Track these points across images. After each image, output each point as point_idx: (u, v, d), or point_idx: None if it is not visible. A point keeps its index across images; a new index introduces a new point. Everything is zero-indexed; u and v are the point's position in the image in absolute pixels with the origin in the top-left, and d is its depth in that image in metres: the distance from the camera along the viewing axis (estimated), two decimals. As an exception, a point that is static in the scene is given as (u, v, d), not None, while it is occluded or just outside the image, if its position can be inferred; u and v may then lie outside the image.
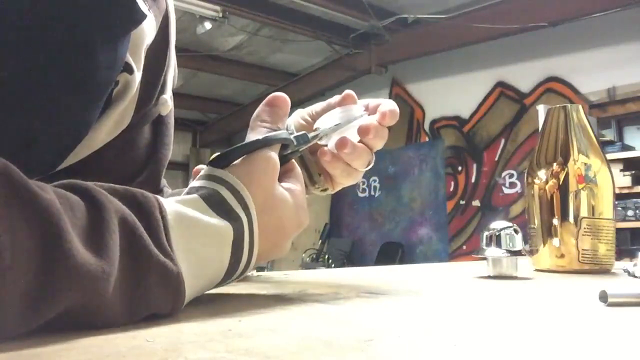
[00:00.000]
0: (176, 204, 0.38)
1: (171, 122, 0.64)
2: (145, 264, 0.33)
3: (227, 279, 0.41)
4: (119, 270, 0.31)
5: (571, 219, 0.77)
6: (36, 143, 0.44)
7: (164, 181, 0.66)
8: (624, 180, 3.89)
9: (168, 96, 0.59)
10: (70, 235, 0.29)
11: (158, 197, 0.37)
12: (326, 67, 6.17)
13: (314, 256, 6.06)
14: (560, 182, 0.78)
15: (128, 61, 0.50)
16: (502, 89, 5.22)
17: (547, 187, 0.80)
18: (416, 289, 0.58)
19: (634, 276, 0.69)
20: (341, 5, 4.89)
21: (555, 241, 0.78)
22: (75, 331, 0.30)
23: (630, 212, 3.85)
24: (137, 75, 0.52)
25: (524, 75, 5.03)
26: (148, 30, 0.52)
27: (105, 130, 0.51)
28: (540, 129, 0.85)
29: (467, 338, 0.32)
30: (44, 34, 0.41)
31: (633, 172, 3.93)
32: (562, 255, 0.77)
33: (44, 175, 0.48)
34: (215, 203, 0.40)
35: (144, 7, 0.47)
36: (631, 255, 0.94)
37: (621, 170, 3.91)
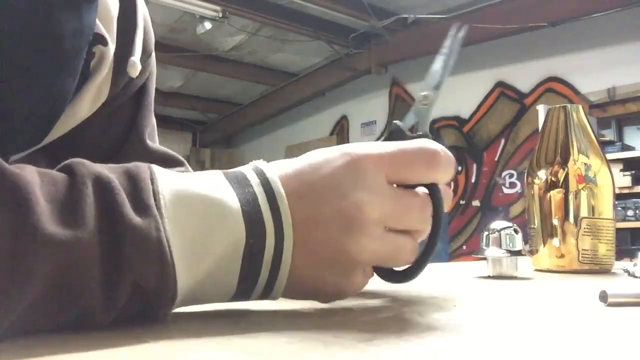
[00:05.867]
0: (177, 173, 0.36)
1: (151, 86, 0.64)
2: (120, 226, 0.30)
3: (242, 280, 0.35)
4: (96, 235, 0.30)
5: (571, 219, 0.77)
6: (12, 116, 0.45)
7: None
8: (624, 180, 3.89)
9: (137, 58, 0.56)
10: (40, 207, 0.28)
11: (152, 165, 0.35)
12: (326, 67, 6.17)
13: (314, 256, 6.05)
14: (560, 182, 0.78)
15: (101, 32, 0.51)
16: (502, 89, 5.22)
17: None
18: (416, 289, 0.58)
19: (634, 276, 0.69)
20: (341, 5, 4.89)
21: (555, 241, 0.78)
22: (75, 332, 0.30)
23: (630, 212, 3.85)
24: (112, 47, 0.53)
25: (524, 75, 5.03)
26: (112, 1, 0.53)
27: (85, 103, 0.53)
28: (540, 129, 0.85)
29: (467, 338, 0.32)
30: (3, 1, 0.41)
31: (633, 172, 3.94)
32: (562, 255, 0.77)
33: (28, 149, 0.49)
34: (234, 177, 0.36)
35: None
36: (631, 255, 0.94)
37: (621, 170, 3.91)
